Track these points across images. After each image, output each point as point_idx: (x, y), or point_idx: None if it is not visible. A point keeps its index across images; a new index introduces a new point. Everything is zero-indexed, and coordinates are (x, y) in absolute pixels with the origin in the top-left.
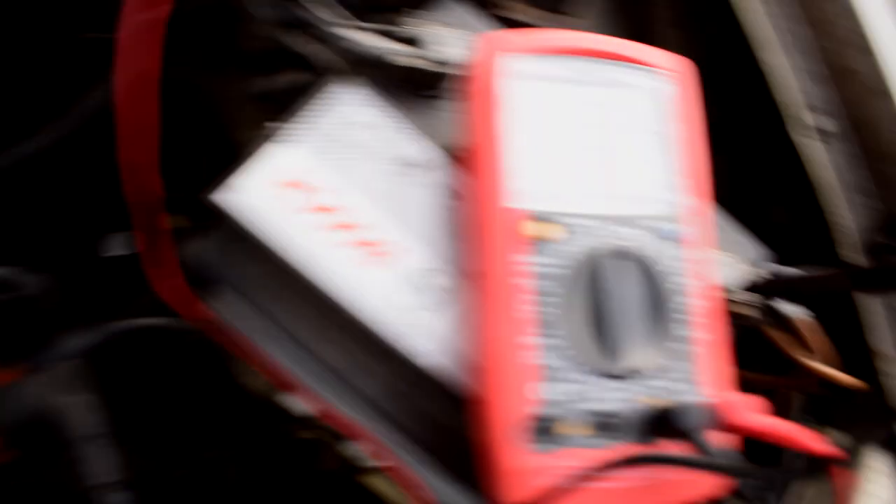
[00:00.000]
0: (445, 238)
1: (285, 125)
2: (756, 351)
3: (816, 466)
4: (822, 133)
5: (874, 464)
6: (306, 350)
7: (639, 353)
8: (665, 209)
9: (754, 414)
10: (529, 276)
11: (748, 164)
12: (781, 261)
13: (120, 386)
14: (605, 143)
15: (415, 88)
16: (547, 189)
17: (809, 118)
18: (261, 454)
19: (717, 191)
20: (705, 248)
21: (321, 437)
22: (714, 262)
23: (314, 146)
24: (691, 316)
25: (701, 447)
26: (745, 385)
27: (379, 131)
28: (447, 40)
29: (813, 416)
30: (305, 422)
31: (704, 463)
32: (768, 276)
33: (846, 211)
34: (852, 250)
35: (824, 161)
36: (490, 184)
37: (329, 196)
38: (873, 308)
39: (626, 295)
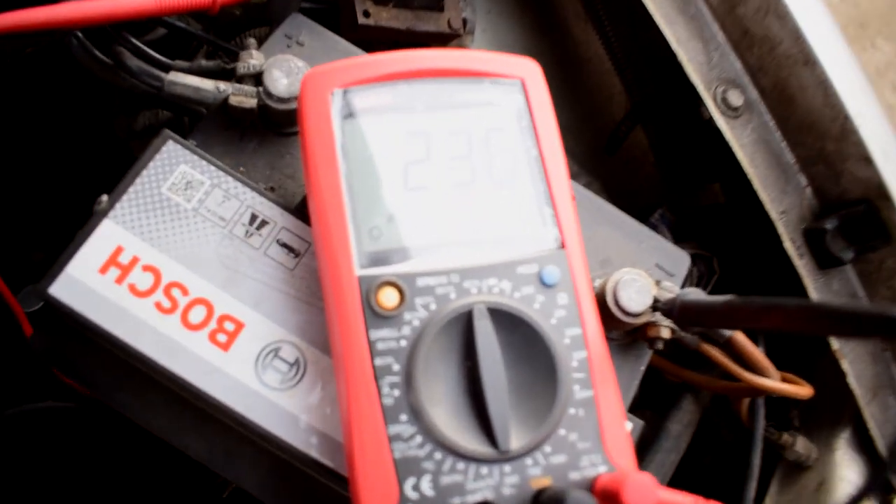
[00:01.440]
0: (296, 306)
1: (116, 196)
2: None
3: None
4: (730, 108)
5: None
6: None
7: (525, 427)
8: (540, 248)
9: (656, 491)
10: (385, 353)
11: (677, 146)
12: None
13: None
14: (460, 178)
15: (266, 128)
16: (400, 246)
17: (715, 93)
18: None
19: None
20: (587, 285)
21: None
22: (621, 284)
23: (147, 218)
24: (588, 373)
25: None
26: (696, 388)
27: (218, 191)
28: (294, 70)
29: (771, 421)
30: None
31: None
32: (679, 304)
33: (774, 192)
34: (791, 236)
35: (739, 138)
36: (331, 246)
37: (166, 274)
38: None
39: (505, 361)
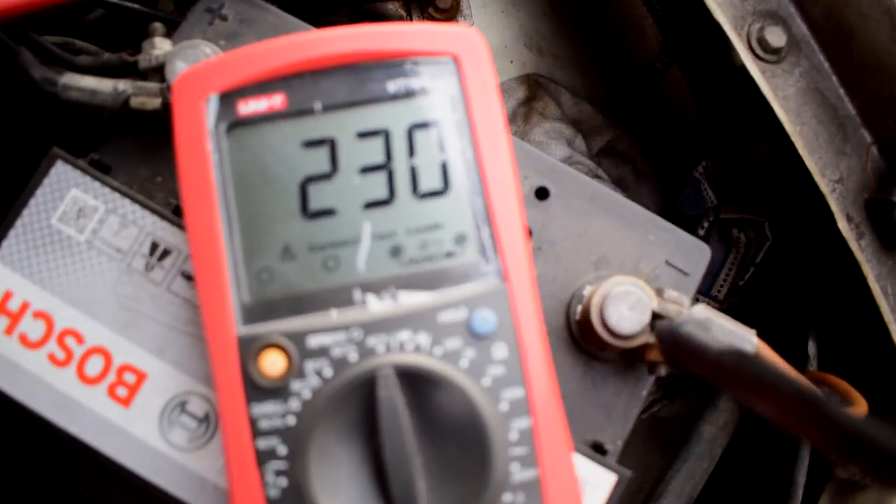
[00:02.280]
0: (206, 350)
1: (2, 231)
2: None
3: None
4: (769, 50)
5: None
6: None
7: None
8: (471, 286)
9: None
10: (270, 434)
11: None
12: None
13: None
14: (374, 195)
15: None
16: (291, 293)
17: (749, 31)
18: None
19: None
20: (538, 328)
21: None
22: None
23: (36, 256)
24: (532, 447)
25: None
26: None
27: (114, 217)
28: (202, 57)
29: None
30: None
31: None
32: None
33: (828, 155)
34: (847, 210)
35: (781, 89)
36: (206, 298)
37: (58, 320)
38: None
39: (419, 438)
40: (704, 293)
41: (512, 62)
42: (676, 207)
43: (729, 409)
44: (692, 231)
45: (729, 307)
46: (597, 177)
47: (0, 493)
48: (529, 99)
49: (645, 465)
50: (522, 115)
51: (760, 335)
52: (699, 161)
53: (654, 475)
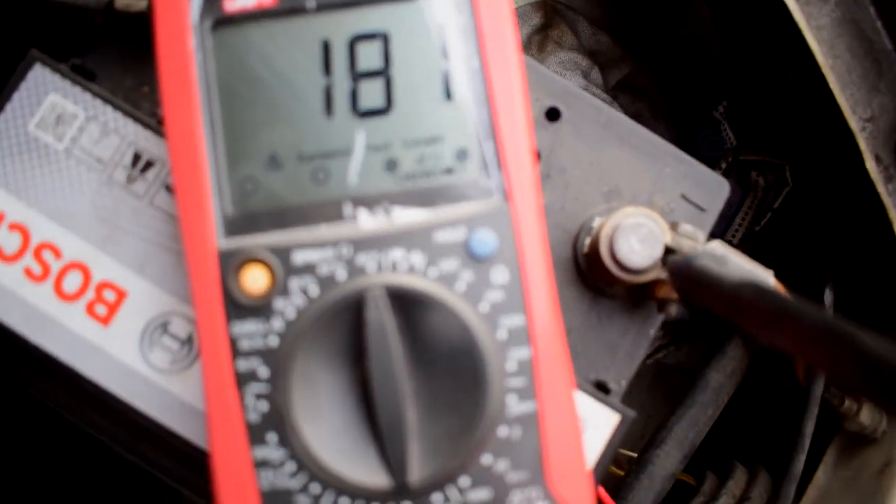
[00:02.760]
0: (182, 269)
1: None
2: None
3: None
4: None
5: None
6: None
7: (434, 452)
8: (472, 203)
9: None
10: (250, 354)
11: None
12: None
13: None
14: (369, 103)
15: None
16: (278, 205)
17: None
18: None
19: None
20: (542, 251)
21: None
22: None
23: (12, 164)
24: (531, 379)
25: None
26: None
27: (94, 125)
28: None
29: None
30: None
31: None
32: (684, 269)
33: (860, 91)
34: (877, 151)
35: (814, 17)
36: (185, 206)
37: (35, 233)
38: None
39: (410, 364)
40: (719, 237)
41: None
42: (694, 147)
43: (737, 356)
44: None
45: (744, 252)
46: None
47: None
48: (545, 26)
49: (648, 412)
50: (537, 43)
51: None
52: (720, 101)
53: (657, 423)
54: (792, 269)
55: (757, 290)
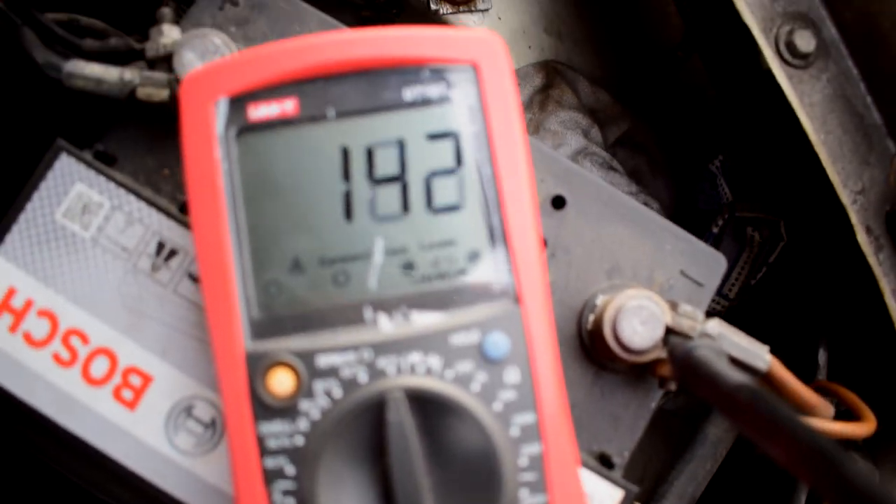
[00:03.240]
0: (204, 355)
1: (5, 225)
2: None
3: None
4: (797, 55)
5: None
6: None
7: None
8: (485, 307)
9: None
10: (278, 453)
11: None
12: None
13: None
14: (386, 209)
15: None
16: (301, 310)
17: (778, 34)
18: None
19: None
20: (551, 350)
21: None
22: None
23: (40, 252)
24: (541, 473)
25: None
26: None
27: (120, 214)
28: (211, 49)
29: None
30: None
31: None
32: (682, 358)
33: (851, 164)
34: (868, 223)
35: (807, 95)
36: (213, 310)
37: (63, 319)
38: None
39: (428, 462)
40: (716, 292)
41: (530, 47)
42: (691, 201)
43: None
44: (706, 227)
45: (740, 305)
46: (611, 168)
47: (5, 493)
48: (546, 86)
49: (647, 456)
50: (539, 102)
51: (770, 338)
52: (716, 154)
53: (656, 467)
54: (787, 323)
55: (753, 395)
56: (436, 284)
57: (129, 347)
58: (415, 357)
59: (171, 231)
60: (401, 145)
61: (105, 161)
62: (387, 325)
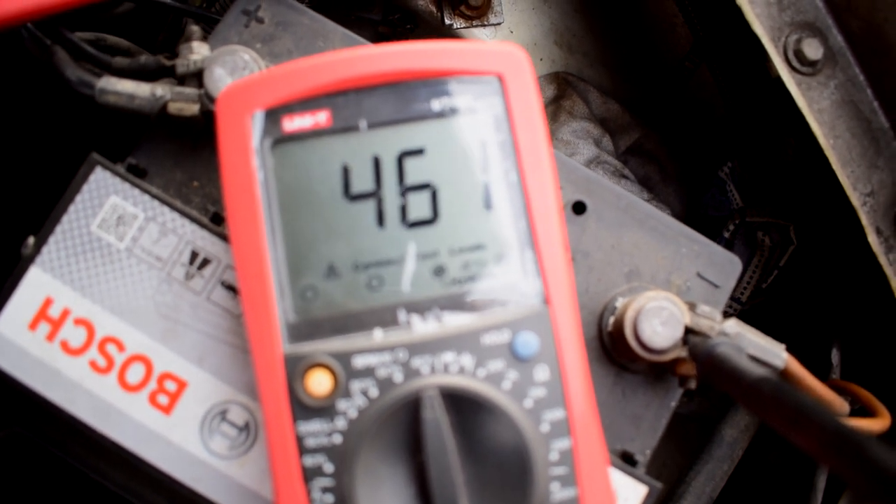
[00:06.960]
0: (245, 360)
1: (42, 237)
2: None
3: None
4: (805, 62)
5: None
6: None
7: None
8: (514, 308)
9: None
10: (316, 451)
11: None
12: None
13: None
14: (417, 215)
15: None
16: (337, 312)
17: (786, 43)
18: None
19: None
20: (579, 350)
21: None
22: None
23: (76, 263)
24: (572, 468)
25: None
26: None
27: (154, 225)
28: (241, 65)
29: None
30: None
31: None
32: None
33: (860, 168)
34: (877, 224)
35: (815, 101)
36: (252, 315)
37: (99, 327)
38: None
39: (463, 458)
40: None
41: (542, 60)
42: (701, 207)
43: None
44: (717, 232)
45: (752, 309)
46: (623, 176)
47: (41, 498)
48: (558, 97)
49: (662, 459)
50: (551, 113)
51: (783, 339)
52: (725, 161)
53: (672, 471)
54: (800, 325)
55: (775, 387)
56: (466, 287)
57: (163, 354)
58: (448, 356)
59: (203, 240)
60: (430, 154)
61: (137, 174)
62: (420, 327)
